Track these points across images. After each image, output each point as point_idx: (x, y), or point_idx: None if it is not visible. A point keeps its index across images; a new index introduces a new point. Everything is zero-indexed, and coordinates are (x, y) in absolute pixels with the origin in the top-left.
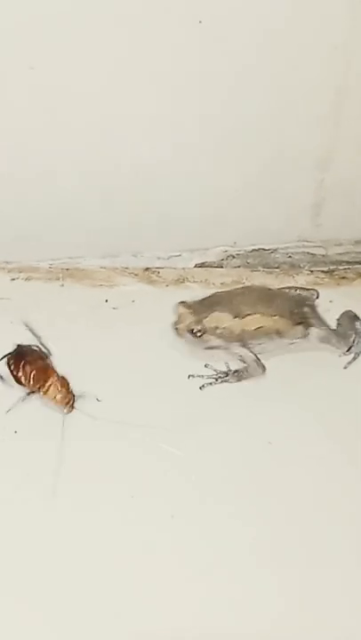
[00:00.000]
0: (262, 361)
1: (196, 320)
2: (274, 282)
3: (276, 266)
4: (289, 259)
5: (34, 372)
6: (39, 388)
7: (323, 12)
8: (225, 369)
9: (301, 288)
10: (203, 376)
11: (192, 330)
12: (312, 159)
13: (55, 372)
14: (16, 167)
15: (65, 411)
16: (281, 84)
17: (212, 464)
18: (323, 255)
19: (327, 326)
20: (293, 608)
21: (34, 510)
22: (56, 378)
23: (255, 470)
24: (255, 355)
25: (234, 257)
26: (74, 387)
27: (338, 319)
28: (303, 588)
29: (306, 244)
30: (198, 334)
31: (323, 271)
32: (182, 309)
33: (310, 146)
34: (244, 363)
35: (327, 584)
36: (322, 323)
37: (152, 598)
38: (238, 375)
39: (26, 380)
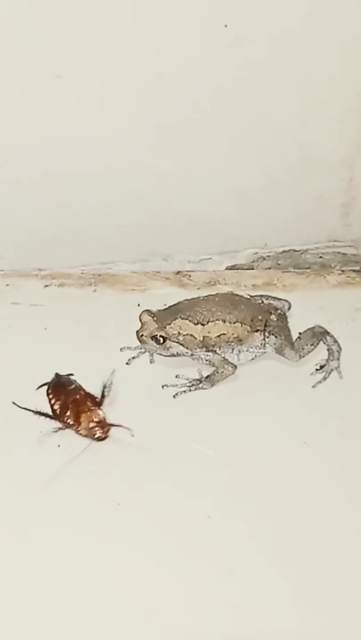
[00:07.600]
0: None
1: (159, 327)
2: (305, 282)
3: (306, 266)
4: (320, 259)
5: (70, 406)
6: (73, 425)
7: (347, 9)
8: (197, 376)
9: (274, 297)
10: (177, 385)
11: (155, 336)
12: (340, 158)
13: (89, 404)
14: (46, 175)
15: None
16: (307, 82)
17: (244, 464)
18: (354, 255)
19: (286, 337)
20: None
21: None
22: (90, 412)
23: (289, 470)
24: (222, 356)
25: (264, 259)
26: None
27: (300, 333)
28: (336, 592)
29: (336, 243)
30: (161, 341)
31: (354, 270)
32: (146, 317)
33: (338, 144)
34: (214, 366)
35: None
36: (284, 333)
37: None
38: (211, 379)
39: (61, 413)
